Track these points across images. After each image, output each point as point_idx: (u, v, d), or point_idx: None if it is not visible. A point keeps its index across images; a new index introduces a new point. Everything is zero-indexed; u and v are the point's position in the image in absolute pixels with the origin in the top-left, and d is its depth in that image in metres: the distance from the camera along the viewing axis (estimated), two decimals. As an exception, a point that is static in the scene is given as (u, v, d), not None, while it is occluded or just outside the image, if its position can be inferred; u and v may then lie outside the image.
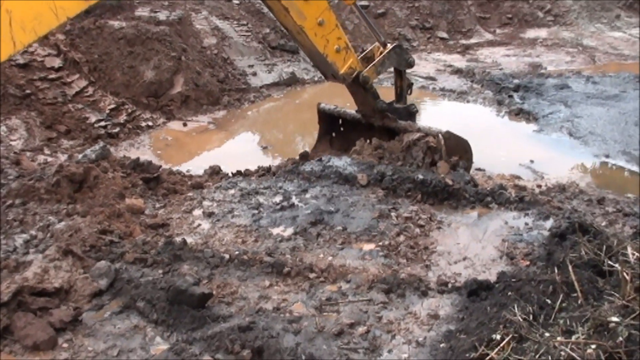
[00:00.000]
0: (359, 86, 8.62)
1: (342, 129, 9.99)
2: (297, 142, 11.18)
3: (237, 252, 6.17)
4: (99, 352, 4.73)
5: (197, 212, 7.41)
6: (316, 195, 7.60)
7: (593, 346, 3.32)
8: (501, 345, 3.80)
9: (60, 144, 10.67)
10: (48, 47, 12.13)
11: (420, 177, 7.56)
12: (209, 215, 7.26)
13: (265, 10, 17.38)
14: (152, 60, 13.26)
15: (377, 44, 8.93)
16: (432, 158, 8.31)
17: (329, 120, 10.01)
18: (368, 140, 9.02)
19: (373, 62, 8.67)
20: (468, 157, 8.66)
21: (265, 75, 15.69)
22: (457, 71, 16.72)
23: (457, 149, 8.48)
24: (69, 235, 6.12)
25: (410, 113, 9.12)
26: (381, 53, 8.77)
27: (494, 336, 3.92)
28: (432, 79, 16.05)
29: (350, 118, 9.56)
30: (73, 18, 5.63)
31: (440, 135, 8.32)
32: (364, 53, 9.01)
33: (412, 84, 9.42)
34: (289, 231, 6.74)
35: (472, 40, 20.73)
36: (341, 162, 8.45)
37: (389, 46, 8.81)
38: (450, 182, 7.47)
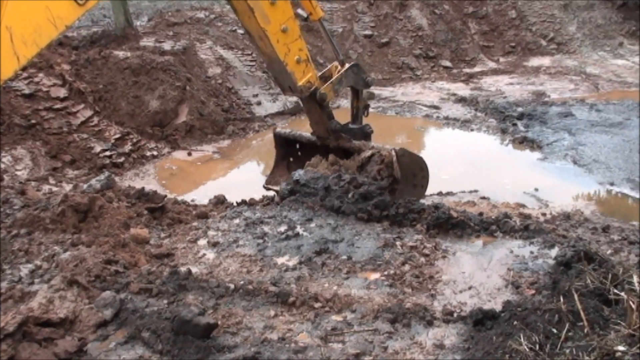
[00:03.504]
0: (315, 103, 8.54)
1: (299, 153, 9.86)
2: (301, 171, 11.21)
3: (242, 282, 6.15)
4: (103, 383, 4.72)
5: (202, 241, 7.41)
6: (321, 225, 7.59)
7: (600, 376, 3.31)
8: (508, 375, 3.79)
9: (65, 173, 10.72)
10: (53, 77, 12.25)
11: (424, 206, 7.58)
12: (213, 244, 7.26)
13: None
14: (156, 90, 13.36)
15: (335, 62, 8.88)
16: (387, 173, 8.25)
17: (285, 145, 9.89)
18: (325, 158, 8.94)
19: (331, 80, 8.61)
20: (423, 174, 8.62)
21: (269, 104, 15.77)
22: (461, 100, 16.75)
23: (412, 166, 8.45)
24: (74, 265, 6.12)
25: (366, 134, 9.01)
26: (339, 72, 8.71)
27: (500, 366, 3.91)
28: (436, 107, 16.06)
29: (307, 141, 9.44)
30: (70, 26, 5.65)
31: (393, 151, 8.26)
32: (322, 72, 8.88)
33: (368, 105, 9.32)
34: (294, 260, 6.72)
35: (476, 69, 20.84)
36: (296, 174, 8.58)
37: (347, 65, 8.79)
38: (454, 215, 7.47)
